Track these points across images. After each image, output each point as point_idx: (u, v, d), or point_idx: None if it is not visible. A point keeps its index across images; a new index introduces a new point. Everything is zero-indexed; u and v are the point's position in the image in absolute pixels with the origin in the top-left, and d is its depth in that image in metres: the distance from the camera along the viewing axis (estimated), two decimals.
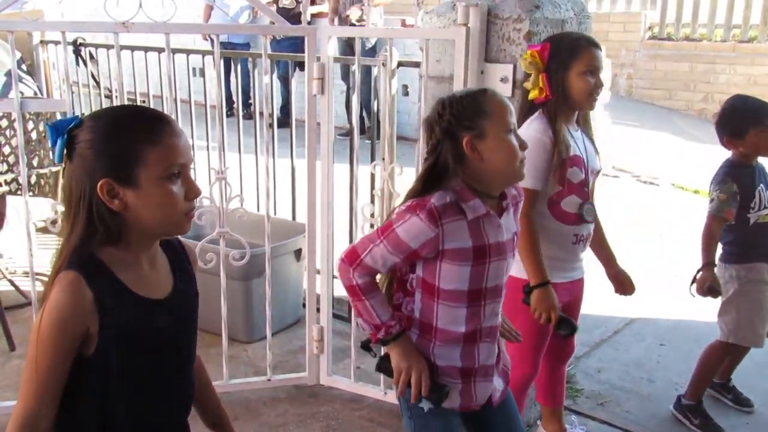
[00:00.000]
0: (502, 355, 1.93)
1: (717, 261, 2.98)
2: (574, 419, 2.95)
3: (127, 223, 1.36)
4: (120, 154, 1.33)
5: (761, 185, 2.91)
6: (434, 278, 1.76)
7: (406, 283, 1.83)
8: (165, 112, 2.99)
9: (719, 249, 2.99)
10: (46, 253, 2.97)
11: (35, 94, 4.91)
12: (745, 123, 2.87)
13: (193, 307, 1.51)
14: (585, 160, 2.36)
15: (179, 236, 1.51)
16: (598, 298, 4.29)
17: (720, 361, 3.08)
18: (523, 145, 1.75)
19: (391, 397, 3.03)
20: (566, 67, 2.27)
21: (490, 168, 1.72)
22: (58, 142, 1.34)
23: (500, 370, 1.92)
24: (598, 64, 2.28)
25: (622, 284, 2.62)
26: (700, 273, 2.90)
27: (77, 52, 4.59)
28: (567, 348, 2.69)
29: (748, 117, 2.88)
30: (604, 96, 7.47)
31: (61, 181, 1.37)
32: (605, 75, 8.70)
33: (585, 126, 2.45)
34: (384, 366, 1.84)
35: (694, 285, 2.92)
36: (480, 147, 1.71)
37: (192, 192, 1.39)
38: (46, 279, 4.45)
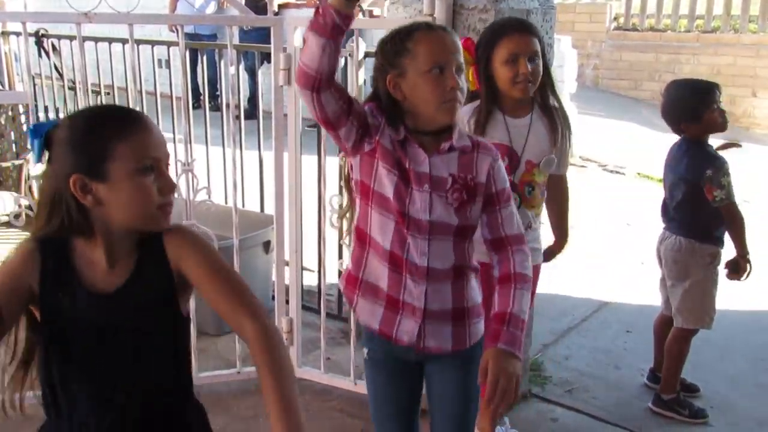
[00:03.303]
0: (470, 323, 1.89)
1: (683, 239, 3.02)
2: (507, 420, 2.89)
3: (97, 219, 1.37)
4: (91, 149, 1.34)
5: (724, 160, 2.97)
6: (370, 179, 1.78)
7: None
8: (131, 104, 2.98)
9: (682, 225, 3.03)
10: (9, 248, 2.92)
11: None
12: (701, 105, 2.92)
13: (154, 301, 1.44)
14: (514, 149, 2.33)
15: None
16: (566, 287, 4.35)
17: (686, 347, 3.12)
18: (452, 85, 1.69)
19: (362, 388, 3.03)
20: (488, 57, 2.26)
21: (413, 107, 1.74)
22: (36, 143, 1.37)
23: (451, 329, 1.87)
24: (519, 49, 2.23)
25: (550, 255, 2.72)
26: (741, 260, 2.96)
27: (40, 44, 4.52)
28: None
29: (700, 99, 2.93)
30: (570, 86, 7.55)
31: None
32: (570, 65, 8.65)
33: (546, 111, 2.40)
34: None
35: (730, 272, 2.99)
36: (402, 85, 1.72)
37: (166, 186, 1.38)
38: None
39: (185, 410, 1.56)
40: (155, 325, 1.45)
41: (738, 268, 2.98)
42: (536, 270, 2.54)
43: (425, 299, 1.81)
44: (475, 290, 1.90)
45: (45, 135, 1.37)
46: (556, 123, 2.39)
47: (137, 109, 1.52)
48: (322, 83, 1.63)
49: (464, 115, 2.31)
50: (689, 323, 3.06)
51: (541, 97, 2.38)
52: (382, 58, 1.77)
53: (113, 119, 1.38)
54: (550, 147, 2.40)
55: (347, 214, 2.03)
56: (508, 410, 1.57)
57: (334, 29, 1.59)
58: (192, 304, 3.00)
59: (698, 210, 2.97)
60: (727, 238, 3.01)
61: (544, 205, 2.54)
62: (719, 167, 2.89)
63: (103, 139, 1.34)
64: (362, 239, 1.86)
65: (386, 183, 1.76)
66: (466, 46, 2.23)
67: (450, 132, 1.77)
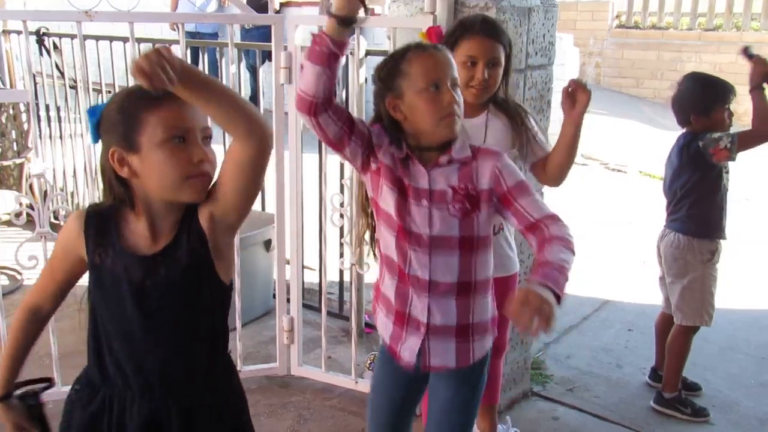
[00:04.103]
0: (474, 339, 1.89)
1: (682, 236, 3.01)
2: (509, 419, 2.89)
3: (137, 190, 1.45)
4: (124, 122, 1.40)
5: None
6: (377, 195, 1.83)
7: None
8: None
9: (682, 221, 3.02)
10: (11, 247, 2.92)
11: None
12: (713, 99, 2.92)
13: (192, 267, 1.48)
14: None
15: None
16: (567, 285, 4.34)
17: (687, 345, 3.12)
18: (449, 100, 1.72)
19: (363, 386, 3.03)
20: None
21: (413, 126, 1.77)
22: (90, 124, 1.45)
23: (455, 346, 1.87)
24: (478, 54, 2.17)
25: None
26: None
27: (40, 42, 4.51)
28: (499, 343, 2.52)
29: (718, 95, 2.94)
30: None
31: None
32: (572, 63, 8.64)
33: (502, 108, 2.31)
34: None
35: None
36: (401, 107, 1.76)
37: (195, 155, 1.41)
38: (10, 272, 4.37)
39: (220, 370, 1.61)
40: (192, 286, 1.49)
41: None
42: (512, 280, 2.44)
43: (428, 313, 1.83)
44: (482, 306, 1.88)
45: (99, 115, 1.44)
46: (515, 118, 2.30)
47: None
48: (319, 107, 1.71)
49: None
50: (688, 320, 3.05)
51: (494, 95, 2.30)
52: (380, 82, 1.81)
53: (146, 93, 1.38)
54: (512, 142, 2.31)
55: (365, 235, 2.05)
56: (541, 331, 1.49)
57: (330, 57, 1.69)
58: None
59: (696, 206, 2.97)
60: (729, 230, 3.00)
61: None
62: (705, 134, 2.90)
63: (134, 111, 1.40)
64: (380, 254, 1.92)
65: (389, 200, 1.80)
66: (429, 34, 2.19)
67: (450, 145, 1.78)
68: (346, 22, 1.69)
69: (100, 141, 1.47)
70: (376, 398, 2.08)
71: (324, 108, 1.71)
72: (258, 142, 1.41)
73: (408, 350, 1.87)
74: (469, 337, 1.87)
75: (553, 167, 2.30)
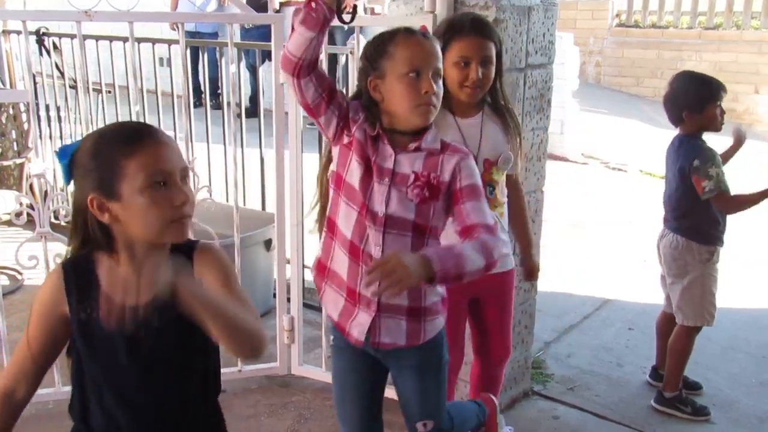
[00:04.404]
0: (425, 319, 1.92)
1: (680, 238, 3.01)
2: (502, 418, 2.86)
3: (118, 235, 1.41)
4: (102, 169, 1.37)
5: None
6: (343, 169, 1.85)
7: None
8: (131, 102, 2.97)
9: (680, 224, 3.02)
10: (11, 247, 2.92)
11: None
12: (705, 98, 2.91)
13: (181, 316, 1.40)
14: (469, 148, 2.17)
15: (195, 240, 1.53)
16: (567, 285, 4.35)
17: (689, 345, 3.11)
18: (427, 89, 1.75)
19: None
20: (442, 55, 2.14)
21: (389, 108, 1.80)
22: (62, 165, 1.42)
23: (405, 325, 1.90)
24: (471, 53, 2.16)
25: (530, 272, 2.60)
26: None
27: (40, 42, 4.51)
28: (502, 351, 2.56)
29: (707, 92, 2.93)
30: (571, 83, 7.54)
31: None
32: (572, 62, 8.63)
33: (496, 109, 2.32)
34: None
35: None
36: (381, 87, 1.79)
37: (177, 199, 1.38)
38: (10, 273, 4.37)
39: (209, 417, 1.60)
40: (185, 337, 1.46)
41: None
42: (509, 276, 2.46)
43: None
44: (433, 288, 1.90)
45: (70, 157, 1.41)
46: (508, 123, 2.31)
47: (149, 124, 1.54)
48: (303, 69, 1.73)
49: None
50: (689, 320, 3.05)
51: (491, 98, 2.30)
52: (365, 59, 1.85)
53: (121, 137, 1.39)
54: (505, 144, 2.32)
55: (317, 207, 2.08)
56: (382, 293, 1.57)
57: (325, 23, 1.70)
58: None
59: (694, 209, 2.97)
60: (730, 228, 3.00)
61: (504, 206, 2.42)
62: (706, 158, 2.88)
63: (112, 158, 1.36)
64: (331, 228, 1.93)
65: (355, 173, 1.83)
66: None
67: (423, 133, 1.82)
68: None
69: (72, 182, 1.44)
70: (342, 394, 2.08)
71: (308, 71, 1.74)
72: (249, 355, 1.47)
73: (358, 327, 1.90)
74: (420, 317, 1.91)
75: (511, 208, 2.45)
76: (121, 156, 1.36)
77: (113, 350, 1.43)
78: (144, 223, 1.38)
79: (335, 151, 1.89)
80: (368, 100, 1.83)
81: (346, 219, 1.87)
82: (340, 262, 1.90)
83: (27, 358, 1.47)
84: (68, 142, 4.67)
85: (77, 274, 1.44)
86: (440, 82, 1.80)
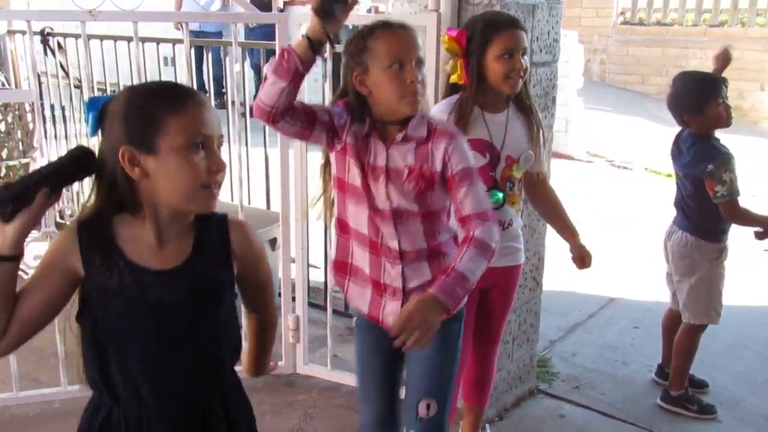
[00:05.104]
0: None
1: (689, 236, 3.00)
2: (488, 428, 2.88)
3: (145, 194, 1.36)
4: (142, 121, 1.33)
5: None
6: (344, 174, 1.89)
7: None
8: None
9: (689, 221, 3.02)
10: None
11: (3, 85, 4.83)
12: (704, 98, 2.90)
13: (211, 283, 1.45)
14: (494, 144, 2.28)
15: (227, 213, 1.51)
16: (572, 283, 4.34)
17: (695, 343, 3.10)
18: (412, 79, 1.77)
19: None
20: (482, 51, 2.21)
21: (377, 101, 1.83)
22: (91, 116, 1.36)
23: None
24: (515, 45, 2.20)
25: (581, 259, 2.57)
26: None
27: (45, 42, 4.52)
28: (494, 333, 2.56)
29: (705, 92, 2.91)
30: (576, 81, 7.53)
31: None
32: (576, 60, 8.64)
33: (522, 107, 2.35)
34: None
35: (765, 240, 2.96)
36: (366, 82, 1.82)
37: (214, 164, 1.35)
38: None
39: (233, 380, 1.59)
40: (212, 307, 1.46)
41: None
42: (516, 270, 2.48)
43: (403, 279, 1.91)
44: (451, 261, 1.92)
45: (101, 108, 1.36)
46: (532, 121, 2.34)
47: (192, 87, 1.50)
48: (277, 116, 1.76)
49: (442, 109, 2.28)
50: (696, 318, 3.04)
51: (517, 95, 2.32)
52: (348, 56, 1.86)
53: (167, 93, 1.36)
54: (528, 143, 2.35)
55: (320, 202, 2.12)
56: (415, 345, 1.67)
57: (296, 74, 1.72)
58: None
59: (703, 208, 2.95)
60: (735, 232, 2.99)
61: (521, 203, 2.47)
62: (721, 162, 2.86)
63: (155, 111, 1.32)
64: (344, 229, 1.98)
65: (355, 176, 1.87)
66: (458, 38, 2.21)
67: (409, 121, 1.84)
68: (316, 46, 1.73)
69: (98, 134, 1.39)
70: (364, 374, 2.13)
71: (281, 117, 1.77)
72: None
73: (390, 315, 1.93)
74: None
75: (538, 204, 2.56)
76: (165, 111, 1.32)
77: (137, 317, 1.39)
78: (175, 183, 1.34)
79: (332, 156, 1.93)
80: (355, 95, 1.85)
81: (357, 218, 1.91)
82: (361, 258, 1.95)
83: (22, 306, 1.39)
84: (73, 142, 4.69)
85: (92, 236, 1.39)
86: (424, 70, 1.83)
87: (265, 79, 1.75)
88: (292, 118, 1.79)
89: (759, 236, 2.94)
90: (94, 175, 1.40)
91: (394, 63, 1.78)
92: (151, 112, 1.33)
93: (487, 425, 2.88)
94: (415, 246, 1.89)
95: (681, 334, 3.11)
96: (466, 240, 1.78)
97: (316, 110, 1.84)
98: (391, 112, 1.83)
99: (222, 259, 1.47)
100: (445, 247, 1.93)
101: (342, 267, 2.02)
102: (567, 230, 2.58)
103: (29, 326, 1.40)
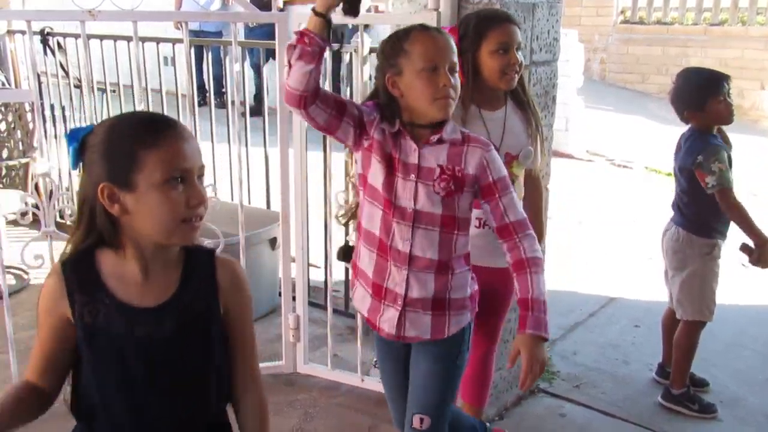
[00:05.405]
0: (450, 313, 1.95)
1: (681, 230, 3.02)
2: (488, 425, 2.84)
3: (126, 229, 1.35)
4: (119, 158, 1.31)
5: (730, 153, 2.94)
6: (367, 170, 1.90)
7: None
8: (135, 101, 2.97)
9: (683, 216, 3.03)
10: (16, 246, 2.93)
11: (3, 85, 4.84)
12: (703, 94, 2.90)
13: (197, 320, 1.43)
14: (492, 141, 2.17)
15: (213, 248, 1.53)
16: (573, 282, 4.34)
17: (694, 341, 3.10)
18: (445, 83, 1.78)
19: (369, 384, 3.03)
20: (476, 47, 2.21)
21: (409, 103, 1.84)
22: (71, 149, 1.35)
23: (431, 318, 1.94)
24: (509, 40, 2.20)
25: None
26: (757, 248, 2.85)
27: (45, 42, 4.52)
28: (493, 333, 2.54)
29: (706, 88, 2.91)
30: (576, 80, 7.52)
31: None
32: (577, 59, 8.64)
33: (519, 103, 2.34)
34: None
35: (746, 257, 2.90)
36: (399, 84, 1.83)
37: (194, 199, 1.34)
38: (16, 272, 4.37)
39: (222, 416, 1.55)
40: (200, 342, 1.43)
41: (756, 254, 2.88)
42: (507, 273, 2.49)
43: (406, 285, 1.90)
44: (461, 283, 1.95)
45: (80, 141, 1.35)
46: (530, 117, 2.34)
47: (170, 116, 1.46)
48: (309, 99, 1.78)
49: None
50: (688, 314, 3.05)
51: (513, 91, 2.32)
52: (382, 58, 1.88)
53: (143, 127, 1.34)
54: (527, 139, 2.34)
55: (353, 211, 2.14)
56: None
57: (321, 53, 1.76)
58: None
59: (696, 202, 2.97)
60: (734, 229, 2.99)
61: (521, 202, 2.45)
62: (710, 153, 2.86)
63: (130, 148, 1.31)
64: (359, 229, 2.00)
65: (377, 174, 1.87)
66: (451, 34, 2.19)
67: (443, 126, 1.85)
68: (329, 21, 1.76)
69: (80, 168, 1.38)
70: (386, 383, 2.19)
71: (313, 99, 1.79)
72: None
73: (387, 322, 1.96)
74: (445, 311, 1.95)
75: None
76: (141, 146, 1.30)
77: (121, 354, 1.37)
78: (155, 219, 1.32)
79: (357, 155, 1.93)
80: (386, 96, 1.86)
81: (370, 218, 1.92)
82: (366, 260, 1.96)
83: (40, 358, 1.42)
84: None
85: (78, 274, 1.37)
86: (456, 75, 1.83)
87: (290, 65, 1.76)
88: (323, 103, 1.81)
89: (745, 250, 2.90)
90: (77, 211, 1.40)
91: (429, 66, 1.79)
92: (127, 149, 1.31)
93: (487, 424, 2.87)
94: (426, 254, 1.88)
95: (680, 332, 3.11)
96: (524, 263, 1.83)
97: (346, 102, 1.86)
98: (422, 115, 1.84)
99: (209, 291, 1.44)
100: (455, 264, 1.92)
101: (354, 267, 2.05)
102: (536, 231, 2.57)
103: (62, 364, 1.43)
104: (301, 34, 1.74)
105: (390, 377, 2.16)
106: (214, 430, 1.53)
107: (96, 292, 1.37)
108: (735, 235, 3.00)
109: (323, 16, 1.75)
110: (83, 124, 4.05)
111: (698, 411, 3.07)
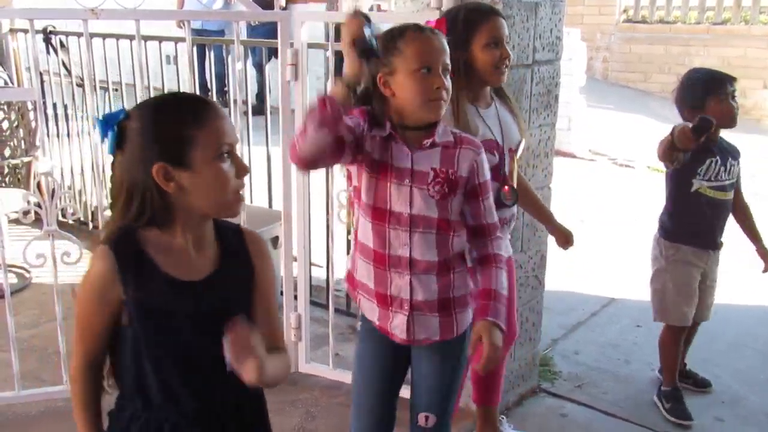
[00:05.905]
0: (456, 312, 1.96)
1: (657, 231, 3.13)
2: (504, 419, 2.87)
3: (178, 206, 1.41)
4: (172, 137, 1.37)
5: (717, 158, 2.93)
6: (360, 183, 1.89)
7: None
8: (138, 101, 2.98)
9: (660, 218, 3.12)
10: (18, 245, 2.93)
11: (5, 83, 4.84)
12: (704, 93, 2.89)
13: (239, 291, 1.51)
14: (498, 141, 2.24)
15: (238, 223, 1.58)
16: (574, 282, 4.34)
17: (674, 342, 3.10)
18: (439, 85, 1.76)
19: None
20: (467, 42, 2.15)
21: (400, 103, 1.81)
22: (110, 134, 1.39)
23: (438, 319, 1.94)
24: (500, 34, 2.17)
25: (565, 238, 2.58)
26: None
27: (47, 41, 4.52)
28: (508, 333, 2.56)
29: (707, 87, 2.90)
30: (579, 79, 7.51)
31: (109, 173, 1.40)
32: (579, 58, 8.62)
33: (500, 96, 2.33)
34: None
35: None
36: (391, 83, 1.80)
37: (242, 170, 1.43)
38: (18, 271, 4.37)
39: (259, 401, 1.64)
40: (243, 311, 1.47)
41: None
42: (511, 262, 2.47)
43: (410, 290, 1.90)
44: (461, 280, 1.95)
45: (119, 126, 1.39)
46: (513, 108, 2.33)
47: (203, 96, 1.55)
48: (317, 165, 1.84)
49: None
50: (657, 316, 3.12)
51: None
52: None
53: (190, 107, 1.41)
54: (519, 131, 2.33)
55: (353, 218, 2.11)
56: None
57: (342, 122, 1.69)
58: None
59: (669, 203, 3.05)
60: (734, 231, 3.00)
61: None
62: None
63: (183, 127, 1.37)
64: (354, 240, 1.99)
65: (369, 183, 1.86)
66: (438, 27, 2.17)
67: (434, 128, 1.84)
68: (355, 90, 1.73)
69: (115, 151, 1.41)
70: (363, 378, 2.14)
71: (321, 164, 1.85)
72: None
73: (398, 328, 1.95)
74: (451, 310, 1.95)
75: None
76: (193, 126, 1.37)
77: (176, 328, 1.44)
78: (211, 193, 1.40)
79: (352, 168, 1.91)
80: (378, 96, 1.84)
81: (363, 229, 1.91)
82: (364, 272, 1.94)
83: (97, 341, 1.47)
84: (75, 140, 4.69)
85: (126, 254, 1.41)
86: (449, 76, 1.82)
87: (306, 132, 1.66)
88: (325, 160, 1.81)
89: (696, 131, 2.67)
90: (109, 192, 1.45)
91: (423, 67, 1.76)
92: (179, 128, 1.37)
93: (503, 417, 2.87)
94: (425, 257, 1.87)
95: (661, 332, 3.17)
96: (490, 258, 1.88)
97: (344, 136, 1.77)
98: (413, 116, 1.81)
99: (245, 268, 1.53)
100: (454, 263, 1.93)
101: (351, 280, 2.03)
102: (542, 214, 2.60)
103: (101, 353, 1.51)
104: (325, 101, 1.63)
105: (373, 374, 2.11)
106: (253, 399, 1.61)
107: (147, 269, 1.42)
108: (739, 237, 3.01)
109: (347, 86, 1.70)
110: (85, 123, 4.05)
111: (668, 411, 3.05)
